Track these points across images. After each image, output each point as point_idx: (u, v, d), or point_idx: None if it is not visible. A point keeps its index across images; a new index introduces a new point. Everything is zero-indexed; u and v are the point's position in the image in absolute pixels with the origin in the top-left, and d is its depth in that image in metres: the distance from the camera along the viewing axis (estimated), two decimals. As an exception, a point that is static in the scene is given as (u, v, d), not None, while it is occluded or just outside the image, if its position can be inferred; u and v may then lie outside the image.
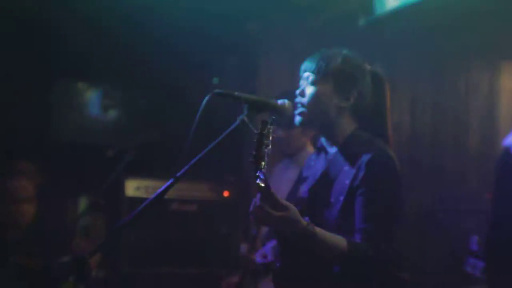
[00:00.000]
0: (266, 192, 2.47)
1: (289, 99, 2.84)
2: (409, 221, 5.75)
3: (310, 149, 4.36)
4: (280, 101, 2.76)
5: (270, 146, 2.49)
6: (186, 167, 2.58)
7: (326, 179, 2.85)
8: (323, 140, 2.97)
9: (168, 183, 2.61)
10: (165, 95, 6.10)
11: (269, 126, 2.51)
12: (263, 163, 2.45)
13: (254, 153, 2.47)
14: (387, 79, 3.00)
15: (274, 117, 2.55)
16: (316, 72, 2.86)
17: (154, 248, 5.34)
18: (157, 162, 5.04)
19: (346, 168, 2.78)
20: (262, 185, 2.42)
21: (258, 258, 3.12)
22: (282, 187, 2.49)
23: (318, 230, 2.59)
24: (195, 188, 5.46)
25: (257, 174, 2.44)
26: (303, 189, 2.99)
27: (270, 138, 2.51)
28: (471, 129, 6.30)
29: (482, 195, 5.51)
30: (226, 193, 5.48)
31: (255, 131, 2.50)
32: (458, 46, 5.89)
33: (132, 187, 5.36)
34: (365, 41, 5.40)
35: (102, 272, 4.87)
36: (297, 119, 2.88)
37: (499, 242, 2.83)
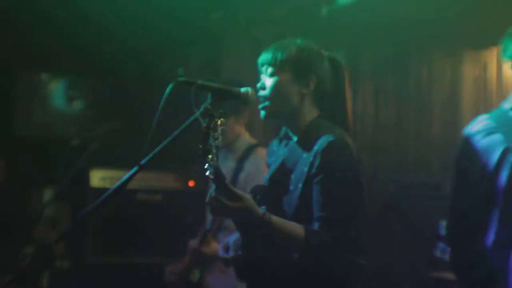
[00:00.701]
0: (221, 183, 2.52)
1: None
2: (374, 208, 5.83)
3: (246, 137, 4.37)
4: (243, 89, 2.77)
5: (219, 139, 2.52)
6: (150, 156, 2.59)
7: (286, 167, 2.89)
8: (286, 128, 3.00)
9: (132, 171, 2.61)
10: (131, 85, 6.10)
11: (216, 120, 2.54)
12: (209, 156, 2.48)
13: (200, 146, 2.50)
14: (348, 67, 3.03)
15: (222, 110, 2.58)
16: (273, 63, 2.88)
17: (120, 238, 5.33)
18: (122, 152, 5.02)
19: (305, 155, 2.80)
20: (212, 177, 2.47)
21: (220, 250, 3.15)
22: None
23: (275, 218, 2.63)
24: (160, 178, 5.45)
25: (205, 167, 2.48)
26: (265, 177, 3.03)
27: (219, 131, 2.53)
28: (434, 118, 6.38)
29: (445, 182, 5.59)
30: (191, 183, 5.48)
31: (203, 125, 2.53)
32: (421, 35, 5.94)
33: (97, 178, 5.34)
34: (328, 31, 5.43)
35: (67, 262, 4.88)
36: (262, 113, 2.91)
37: (460, 229, 2.87)
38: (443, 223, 3.30)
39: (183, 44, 5.90)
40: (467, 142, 2.85)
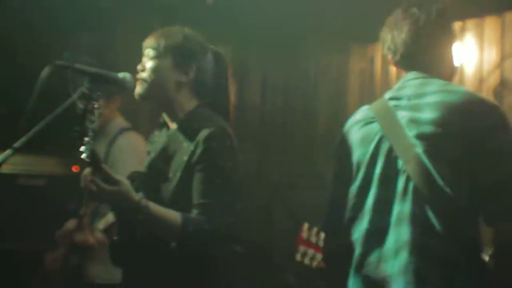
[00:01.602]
0: (97, 167, 2.51)
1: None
2: (258, 197, 5.90)
3: (118, 121, 4.37)
4: (120, 74, 2.78)
5: (96, 122, 2.53)
6: (24, 139, 2.56)
7: (166, 155, 2.93)
8: (164, 115, 3.02)
9: (5, 154, 2.57)
10: (18, 70, 5.97)
11: (93, 102, 2.55)
12: (86, 139, 2.48)
13: (76, 128, 2.50)
14: (234, 60, 3.09)
15: (99, 93, 2.59)
16: (156, 47, 2.93)
17: (1, 223, 5.23)
18: (5, 136, 4.92)
19: (185, 144, 2.86)
20: (88, 160, 2.46)
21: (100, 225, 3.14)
22: None
23: (152, 204, 2.66)
24: (43, 163, 5.35)
25: (80, 150, 2.47)
26: (144, 162, 3.05)
27: (96, 113, 2.54)
28: (320, 110, 6.48)
29: (329, 172, 5.70)
30: (75, 168, 5.41)
31: (80, 107, 2.53)
32: (308, 28, 6.02)
33: (-23, 162, 5.22)
34: (215, 22, 5.45)
35: None
36: (136, 91, 2.92)
37: (335, 217, 2.91)
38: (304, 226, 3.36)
39: (72, 30, 5.84)
40: (347, 132, 2.89)
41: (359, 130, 2.83)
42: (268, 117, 6.58)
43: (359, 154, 2.79)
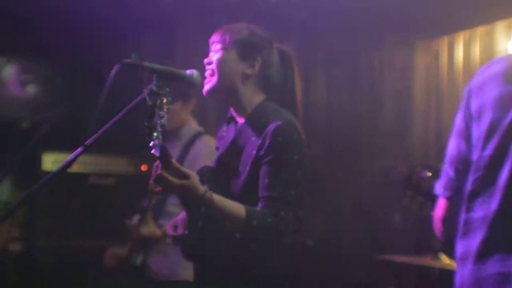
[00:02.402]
0: (166, 162, 2.54)
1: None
2: (326, 193, 5.91)
3: (193, 124, 4.41)
4: (188, 71, 2.82)
5: (165, 118, 2.56)
6: (95, 136, 2.60)
7: (235, 149, 2.95)
8: (232, 110, 3.05)
9: (77, 151, 2.61)
10: (85, 71, 6.07)
11: (162, 98, 2.58)
12: (155, 134, 2.50)
13: (145, 124, 2.53)
14: (299, 57, 3.09)
15: (168, 89, 2.63)
16: (222, 41, 2.97)
17: (72, 221, 5.33)
18: (76, 135, 4.99)
19: (253, 138, 2.87)
20: (157, 155, 2.49)
21: (169, 229, 3.17)
22: None
23: (217, 197, 2.68)
24: (113, 162, 5.43)
25: (150, 145, 2.50)
26: (214, 158, 3.08)
27: (165, 109, 2.57)
28: (386, 105, 6.46)
29: (395, 168, 5.69)
30: (144, 167, 5.48)
31: (149, 103, 2.56)
32: (372, 23, 6.00)
33: (50, 161, 5.30)
34: (280, 19, 5.47)
35: (17, 245, 4.87)
36: (205, 88, 2.97)
37: (451, 182, 2.51)
38: (425, 171, 3.02)
39: (136, 29, 5.91)
40: (481, 83, 2.44)
41: (497, 86, 2.38)
42: (334, 115, 6.58)
43: (494, 116, 2.34)
